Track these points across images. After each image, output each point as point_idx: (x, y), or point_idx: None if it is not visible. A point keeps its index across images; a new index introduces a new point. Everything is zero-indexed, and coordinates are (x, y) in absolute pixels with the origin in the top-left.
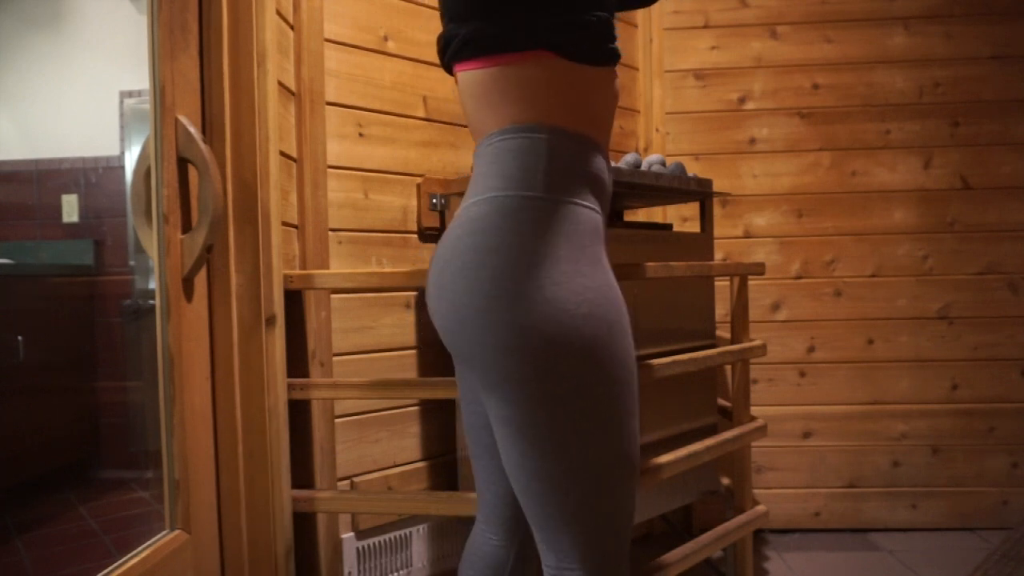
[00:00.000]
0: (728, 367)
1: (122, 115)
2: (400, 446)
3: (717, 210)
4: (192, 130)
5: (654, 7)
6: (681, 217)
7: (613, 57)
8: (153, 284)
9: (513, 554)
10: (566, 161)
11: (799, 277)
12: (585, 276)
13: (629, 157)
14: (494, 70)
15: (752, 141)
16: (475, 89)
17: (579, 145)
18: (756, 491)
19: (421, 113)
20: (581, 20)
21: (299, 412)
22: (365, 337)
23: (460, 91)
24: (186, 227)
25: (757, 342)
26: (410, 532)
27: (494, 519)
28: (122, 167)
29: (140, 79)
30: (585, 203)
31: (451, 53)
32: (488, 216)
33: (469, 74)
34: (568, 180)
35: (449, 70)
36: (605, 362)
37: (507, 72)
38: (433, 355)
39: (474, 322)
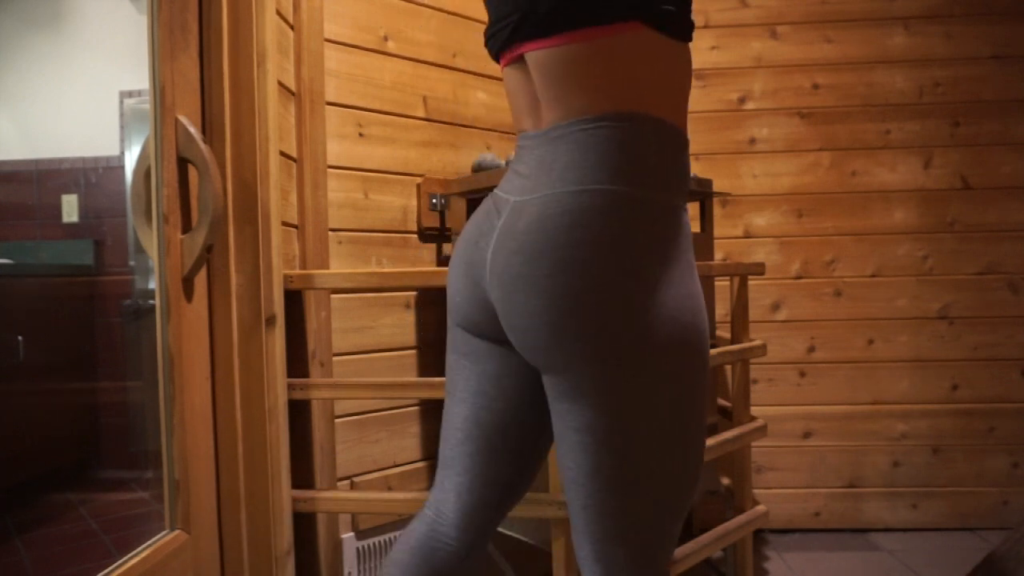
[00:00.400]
0: (728, 367)
1: (122, 115)
2: (400, 446)
3: (717, 210)
4: (192, 130)
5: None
6: None
7: (693, 30)
8: (153, 284)
9: (468, 563)
10: (670, 156)
11: (799, 277)
12: (688, 284)
13: None
14: (582, 46)
15: (752, 141)
16: (556, 69)
17: (679, 140)
18: (756, 491)
19: (421, 113)
20: None
21: (299, 412)
22: (365, 337)
23: (530, 74)
24: (186, 227)
25: (757, 342)
26: None
27: (464, 524)
28: (122, 167)
29: (140, 79)
30: (683, 205)
31: (528, 29)
32: (596, 210)
33: (548, 52)
34: (672, 178)
35: (501, 55)
36: (699, 374)
37: (598, 48)
38: (433, 355)
39: (579, 325)
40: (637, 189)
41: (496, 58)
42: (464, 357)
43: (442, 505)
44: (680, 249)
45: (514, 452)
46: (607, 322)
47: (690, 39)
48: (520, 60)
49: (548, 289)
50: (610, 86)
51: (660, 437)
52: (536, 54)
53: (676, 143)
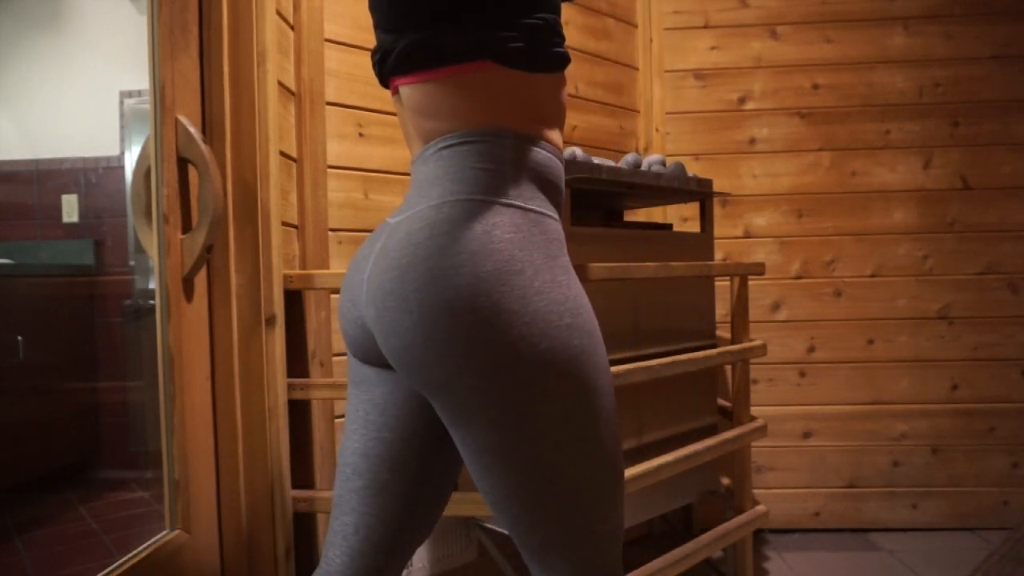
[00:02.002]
0: (728, 367)
1: (122, 115)
2: None
3: (717, 210)
4: (192, 130)
5: (654, 7)
6: (681, 217)
7: (561, 62)
8: (153, 284)
9: None
10: (530, 167)
11: (799, 277)
12: (562, 286)
13: (629, 157)
14: (436, 83)
15: (752, 141)
16: (419, 102)
17: (541, 150)
18: (756, 491)
19: None
20: (523, 25)
21: (299, 412)
22: None
23: (402, 105)
24: (186, 227)
25: (757, 342)
26: None
27: (350, 571)
28: (122, 167)
29: (140, 79)
30: (549, 213)
31: (389, 68)
32: (456, 220)
33: (411, 88)
34: (533, 187)
35: (385, 84)
36: (591, 373)
37: (452, 83)
38: None
39: (452, 340)
40: (496, 198)
41: (385, 87)
42: (355, 386)
43: (329, 551)
44: (550, 253)
45: (405, 487)
46: (477, 333)
47: (558, 69)
48: (397, 92)
49: (417, 302)
50: (469, 112)
51: (561, 447)
52: (403, 88)
53: (539, 156)
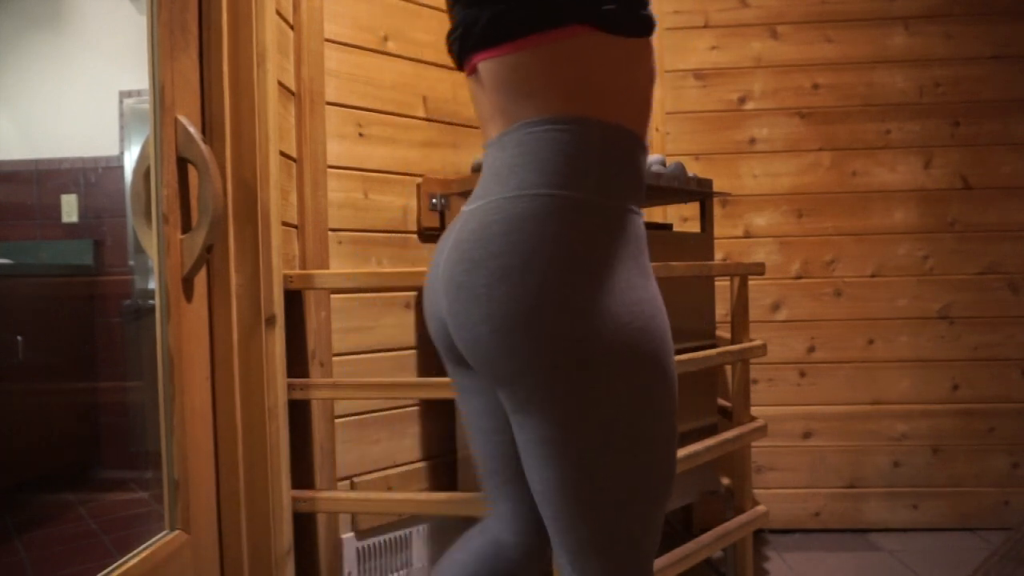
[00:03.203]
0: (728, 367)
1: (122, 115)
2: (400, 446)
3: (717, 210)
4: (192, 130)
5: (654, 7)
6: (681, 217)
7: (652, 25)
8: (153, 284)
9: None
10: (618, 161)
11: (799, 277)
12: (637, 288)
13: None
14: (526, 53)
15: (752, 141)
16: (502, 78)
17: (629, 143)
18: (756, 491)
19: (421, 113)
20: None
21: (299, 412)
22: (365, 337)
23: (483, 84)
24: (186, 227)
25: (757, 342)
26: (410, 532)
27: (521, 528)
28: (122, 167)
29: (140, 79)
30: (634, 209)
31: (474, 41)
32: (533, 215)
33: (496, 62)
34: (620, 182)
35: (462, 63)
36: (659, 379)
37: (543, 54)
38: (433, 355)
39: (521, 334)
40: (577, 193)
41: (460, 70)
42: (460, 393)
43: (503, 516)
44: (628, 253)
45: None
46: (547, 330)
47: (647, 34)
48: (475, 71)
49: (487, 298)
50: (556, 91)
51: (619, 447)
52: (485, 64)
53: (626, 147)
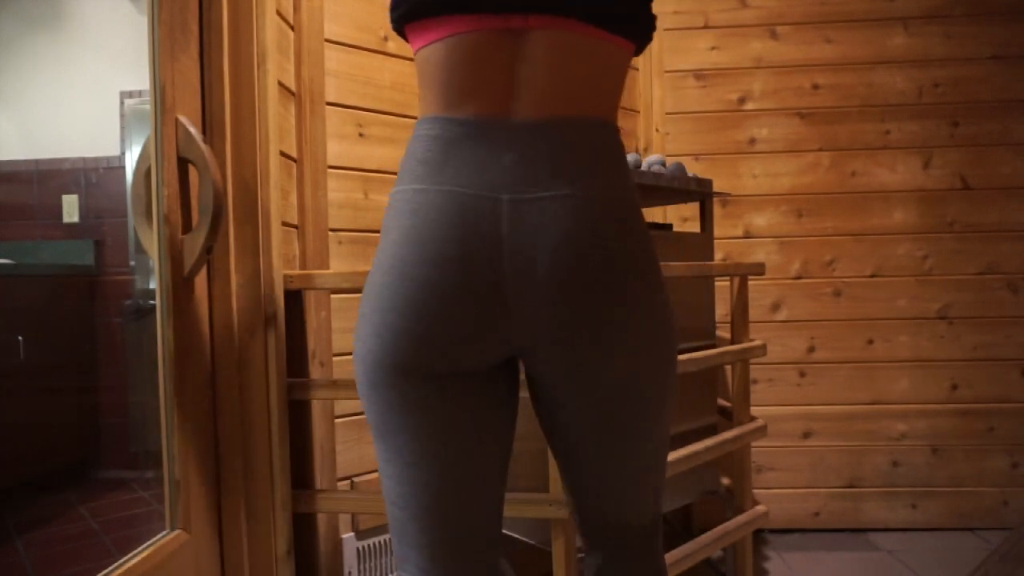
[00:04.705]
0: (728, 367)
1: (122, 115)
2: None
3: (717, 210)
4: (192, 130)
5: (654, 7)
6: (681, 217)
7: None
8: (153, 284)
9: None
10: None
11: (799, 277)
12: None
13: (629, 157)
14: (614, 49)
15: (752, 141)
16: (585, 61)
17: None
18: (756, 491)
19: None
20: None
21: (299, 412)
22: None
23: (543, 51)
24: (186, 227)
25: (757, 342)
26: None
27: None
28: (122, 167)
29: (140, 79)
30: None
31: (582, 7)
32: (638, 211)
33: (576, 37)
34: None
35: (503, 14)
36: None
37: (621, 57)
38: None
39: (664, 306)
40: (635, 192)
41: (486, 9)
42: (446, 405)
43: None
44: None
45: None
46: (664, 320)
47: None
48: (519, 30)
49: (650, 276)
50: (609, 93)
51: (667, 426)
52: (558, 33)
53: None
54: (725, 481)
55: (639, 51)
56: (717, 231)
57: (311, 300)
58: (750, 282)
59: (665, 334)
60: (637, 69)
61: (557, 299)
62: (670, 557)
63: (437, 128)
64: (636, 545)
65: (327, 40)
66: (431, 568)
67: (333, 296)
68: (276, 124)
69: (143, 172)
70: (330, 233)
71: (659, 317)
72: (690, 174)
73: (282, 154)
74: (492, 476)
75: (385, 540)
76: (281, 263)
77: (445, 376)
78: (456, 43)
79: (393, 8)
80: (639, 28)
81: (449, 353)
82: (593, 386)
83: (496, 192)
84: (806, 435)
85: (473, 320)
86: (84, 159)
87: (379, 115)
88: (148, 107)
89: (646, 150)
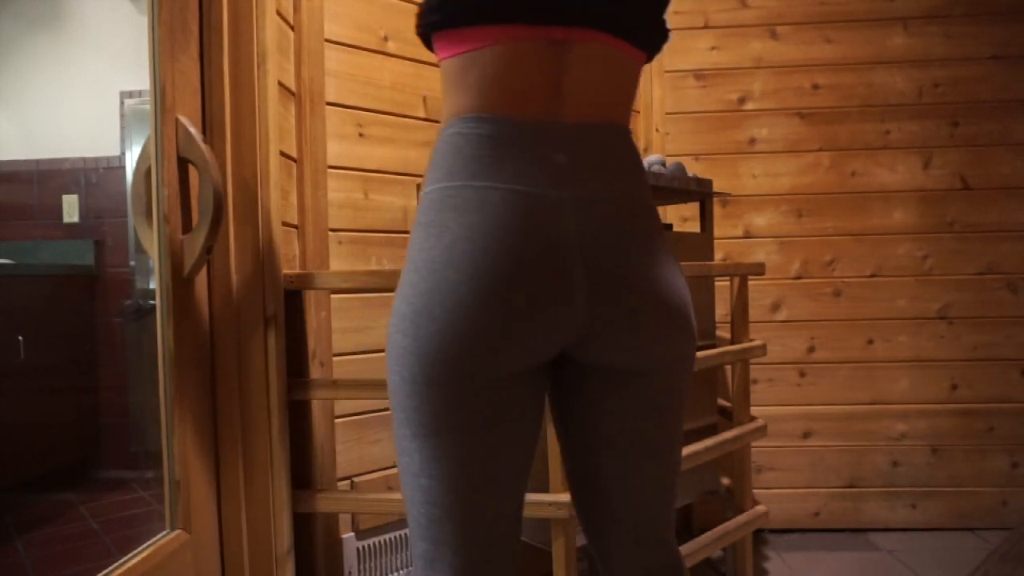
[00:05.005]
0: (728, 367)
1: (122, 115)
2: None
3: (717, 210)
4: (192, 130)
5: None
6: (681, 217)
7: None
8: (153, 284)
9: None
10: None
11: (799, 277)
12: None
13: None
14: (634, 64)
15: (752, 141)
16: (619, 74)
17: None
18: (756, 491)
19: (421, 113)
20: None
21: (299, 412)
22: (365, 337)
23: (584, 64)
24: (186, 227)
25: (757, 342)
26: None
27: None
28: (122, 167)
29: (140, 79)
30: None
31: (625, 26)
32: (655, 206)
33: (614, 51)
34: None
35: (552, 26)
36: None
37: (637, 70)
38: None
39: (687, 319)
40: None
41: (529, 21)
42: (514, 406)
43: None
44: None
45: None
46: (691, 314)
47: None
48: (560, 41)
49: (685, 286)
50: (630, 102)
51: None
52: (611, 51)
53: None
54: (725, 481)
55: (648, 61)
56: (717, 231)
57: (311, 300)
58: (750, 282)
59: (694, 329)
60: None
61: (615, 293)
62: None
63: (488, 127)
64: (660, 548)
65: (327, 40)
66: (465, 566)
67: (333, 296)
68: (276, 124)
69: (143, 172)
70: (330, 233)
71: (690, 312)
72: (690, 174)
73: (282, 154)
74: (527, 473)
75: (385, 540)
76: (281, 263)
77: (506, 374)
78: (503, 51)
79: (427, 13)
80: (658, 43)
81: (523, 348)
82: (644, 374)
83: (558, 191)
84: (806, 435)
85: (550, 314)
86: (84, 159)
87: (379, 115)
88: (148, 107)
89: (646, 150)
